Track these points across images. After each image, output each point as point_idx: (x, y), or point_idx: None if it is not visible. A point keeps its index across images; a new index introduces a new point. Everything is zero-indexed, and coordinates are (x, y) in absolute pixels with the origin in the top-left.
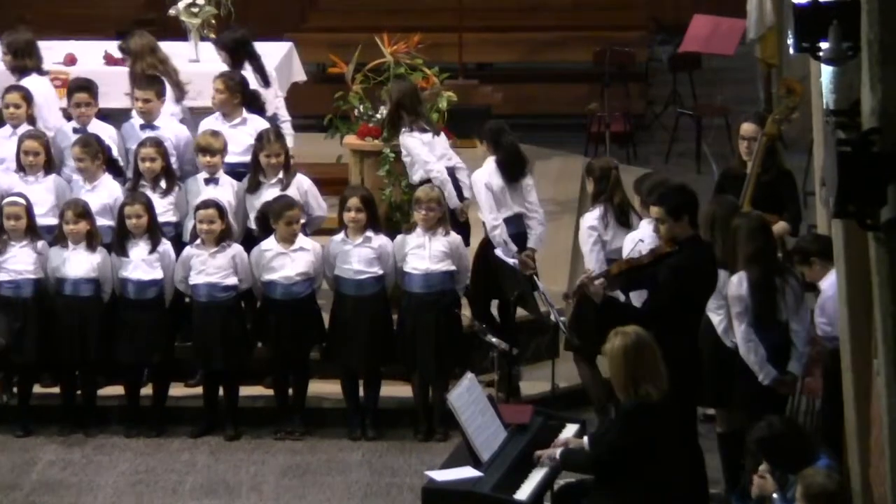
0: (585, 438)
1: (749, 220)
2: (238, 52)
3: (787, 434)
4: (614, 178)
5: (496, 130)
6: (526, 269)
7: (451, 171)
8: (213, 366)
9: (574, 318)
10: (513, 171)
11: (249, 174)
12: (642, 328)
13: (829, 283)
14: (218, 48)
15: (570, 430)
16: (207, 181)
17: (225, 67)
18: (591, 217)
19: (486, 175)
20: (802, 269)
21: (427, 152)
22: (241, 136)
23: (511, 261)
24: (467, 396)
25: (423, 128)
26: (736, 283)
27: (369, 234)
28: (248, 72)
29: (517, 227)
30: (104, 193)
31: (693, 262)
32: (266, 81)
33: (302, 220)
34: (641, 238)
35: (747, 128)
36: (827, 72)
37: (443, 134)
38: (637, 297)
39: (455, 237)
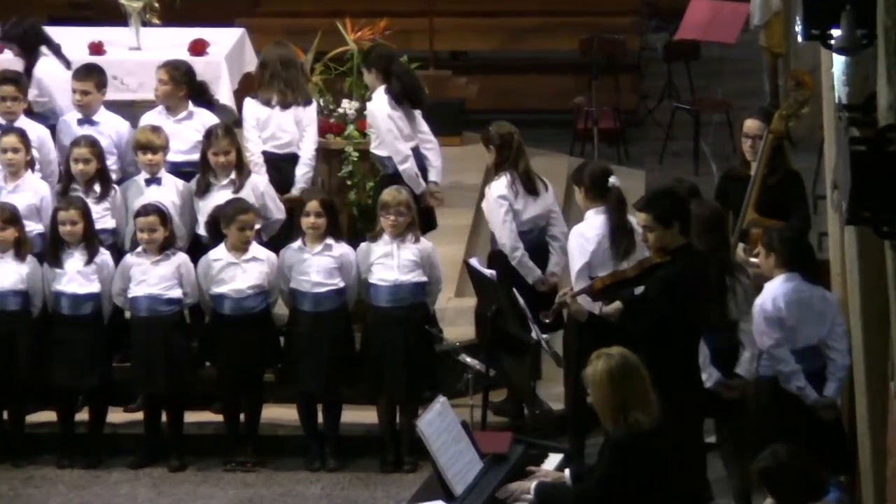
0: (567, 472)
1: (705, 211)
2: (29, 42)
3: (793, 464)
4: (517, 143)
5: (386, 57)
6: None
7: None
8: (155, 388)
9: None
10: (413, 99)
11: (198, 175)
12: (630, 349)
13: (778, 286)
14: (6, 44)
15: (553, 460)
16: (149, 182)
17: (170, 56)
18: (500, 186)
19: (383, 106)
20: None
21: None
22: (186, 131)
23: (488, 272)
24: (439, 423)
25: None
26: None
27: (329, 241)
28: (49, 58)
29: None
30: (29, 194)
31: (687, 273)
32: (68, 65)
33: (257, 226)
34: (587, 232)
35: (751, 125)
36: (839, 62)
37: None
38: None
39: (426, 244)
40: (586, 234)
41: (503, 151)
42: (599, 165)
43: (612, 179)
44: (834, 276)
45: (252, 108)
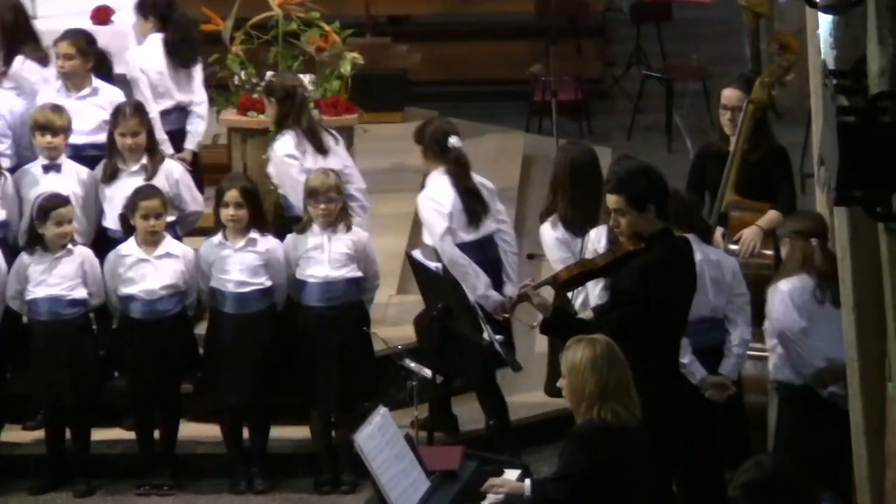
0: (527, 482)
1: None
2: None
3: (781, 476)
4: (300, 97)
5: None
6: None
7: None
8: (58, 402)
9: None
10: (185, 53)
11: (105, 160)
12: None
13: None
14: None
15: (510, 476)
16: (47, 169)
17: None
18: (286, 144)
19: (148, 57)
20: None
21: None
22: (90, 110)
23: (433, 265)
24: (379, 437)
25: None
26: (594, 237)
27: (253, 235)
28: None
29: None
30: None
31: (665, 261)
32: None
33: (171, 218)
34: (437, 195)
35: (730, 94)
36: (826, 23)
37: None
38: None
39: (360, 234)
40: (437, 198)
41: (285, 104)
42: (441, 125)
43: (452, 140)
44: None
45: None
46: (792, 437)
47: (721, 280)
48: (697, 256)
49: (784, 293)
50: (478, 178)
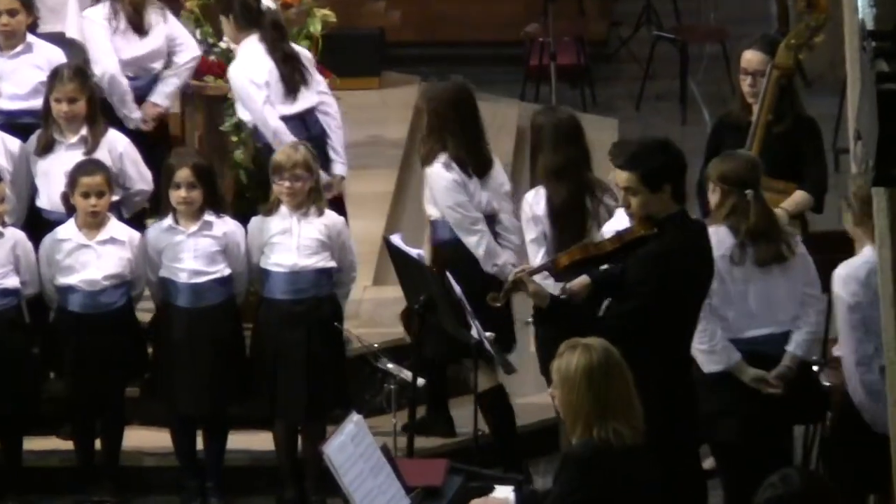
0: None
1: (556, 119)
2: None
3: (811, 494)
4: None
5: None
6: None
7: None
8: None
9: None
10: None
11: (40, 129)
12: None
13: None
14: None
15: (501, 494)
16: None
17: None
18: (96, 14)
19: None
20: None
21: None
22: (25, 70)
23: (415, 251)
24: (352, 449)
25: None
26: (532, 201)
27: (209, 217)
28: None
29: None
30: None
31: (680, 248)
32: None
33: (115, 197)
34: (249, 69)
35: (752, 58)
36: None
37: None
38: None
39: (335, 218)
40: (250, 72)
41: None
42: None
43: (266, 1)
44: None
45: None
46: None
47: None
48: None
49: None
50: (295, 47)
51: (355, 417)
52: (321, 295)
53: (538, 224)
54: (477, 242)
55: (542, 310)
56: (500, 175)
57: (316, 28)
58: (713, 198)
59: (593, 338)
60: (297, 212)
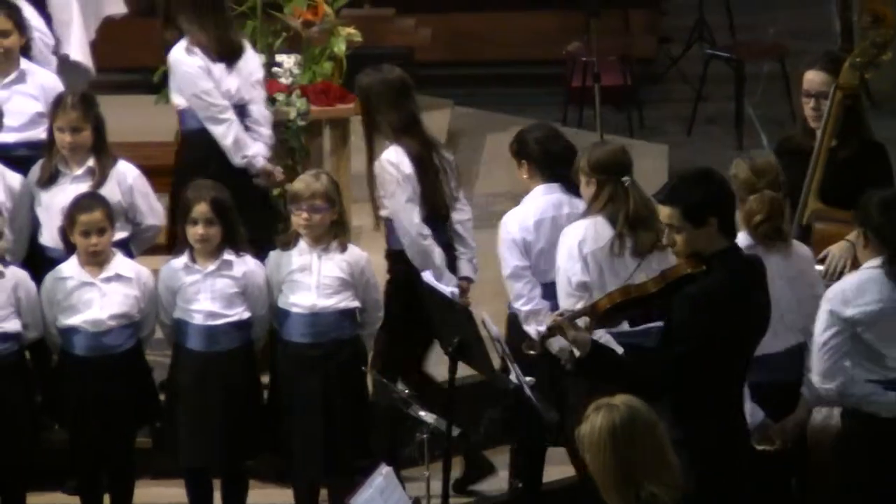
0: None
1: (389, 75)
2: None
3: None
4: None
5: None
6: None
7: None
8: None
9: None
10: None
11: (42, 161)
12: (642, 397)
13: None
14: None
15: None
16: None
17: None
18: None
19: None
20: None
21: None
22: (20, 100)
23: (448, 289)
24: (381, 503)
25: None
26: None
27: (228, 256)
28: None
29: None
30: None
31: (729, 287)
32: None
33: (123, 234)
34: None
35: (814, 78)
36: None
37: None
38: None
39: (357, 255)
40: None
41: None
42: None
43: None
44: None
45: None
46: None
47: None
48: (563, 210)
49: (573, 239)
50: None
51: (384, 469)
52: (342, 338)
53: (408, 183)
54: (224, 132)
55: (582, 358)
56: (250, 62)
57: (340, 48)
58: (587, 191)
59: (620, 395)
60: (317, 247)
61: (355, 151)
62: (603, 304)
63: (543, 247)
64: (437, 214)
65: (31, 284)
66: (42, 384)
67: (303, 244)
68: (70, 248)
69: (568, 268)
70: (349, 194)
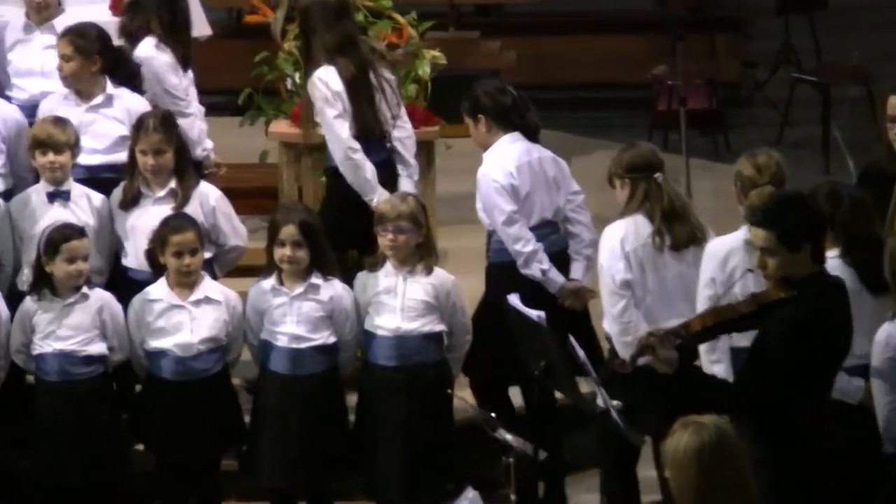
0: None
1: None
2: None
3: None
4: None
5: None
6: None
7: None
8: (65, 481)
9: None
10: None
11: (124, 182)
12: (727, 418)
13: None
14: None
15: None
16: (52, 197)
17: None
18: (324, 75)
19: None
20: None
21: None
22: (104, 123)
23: (534, 313)
24: None
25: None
26: (325, 79)
27: (315, 280)
28: None
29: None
30: None
31: (818, 313)
32: None
33: (207, 255)
34: None
35: None
36: None
37: None
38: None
39: (443, 277)
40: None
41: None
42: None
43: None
44: None
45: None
46: None
47: (560, 178)
48: (534, 155)
49: (614, 238)
50: None
51: (470, 493)
52: (427, 361)
53: (337, 100)
54: (189, 125)
55: (670, 377)
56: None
57: (424, 71)
58: (622, 193)
59: (709, 416)
60: (403, 269)
61: (441, 174)
62: (696, 325)
63: (528, 191)
64: (370, 133)
65: (118, 307)
66: (128, 406)
67: (389, 266)
68: (157, 270)
69: (611, 266)
70: (436, 217)
